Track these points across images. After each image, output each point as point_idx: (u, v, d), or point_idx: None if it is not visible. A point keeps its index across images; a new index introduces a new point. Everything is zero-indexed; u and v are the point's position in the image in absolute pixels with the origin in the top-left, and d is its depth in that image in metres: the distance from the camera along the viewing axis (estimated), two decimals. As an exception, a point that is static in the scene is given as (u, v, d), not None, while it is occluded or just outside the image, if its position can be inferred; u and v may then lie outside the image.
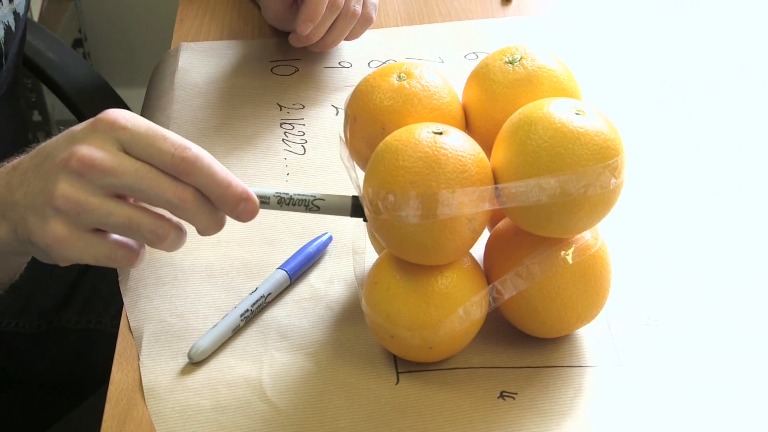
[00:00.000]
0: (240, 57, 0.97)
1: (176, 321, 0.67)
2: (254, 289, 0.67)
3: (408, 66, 0.64)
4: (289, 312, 0.67)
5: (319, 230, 0.73)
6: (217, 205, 0.59)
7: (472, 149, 0.56)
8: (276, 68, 0.95)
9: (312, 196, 0.61)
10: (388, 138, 0.57)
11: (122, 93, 1.21)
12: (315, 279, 0.70)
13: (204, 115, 0.89)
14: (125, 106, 1.21)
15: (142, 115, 0.94)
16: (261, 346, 0.64)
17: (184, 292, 0.69)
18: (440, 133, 0.56)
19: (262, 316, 0.67)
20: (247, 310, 0.66)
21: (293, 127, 0.87)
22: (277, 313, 0.67)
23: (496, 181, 0.57)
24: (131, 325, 0.67)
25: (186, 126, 0.87)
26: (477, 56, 0.95)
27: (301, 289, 0.69)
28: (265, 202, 0.60)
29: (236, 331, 0.65)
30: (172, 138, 0.58)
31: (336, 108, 0.89)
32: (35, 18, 1.91)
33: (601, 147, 0.54)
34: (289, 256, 0.70)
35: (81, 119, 1.25)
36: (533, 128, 0.55)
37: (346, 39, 0.92)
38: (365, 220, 0.60)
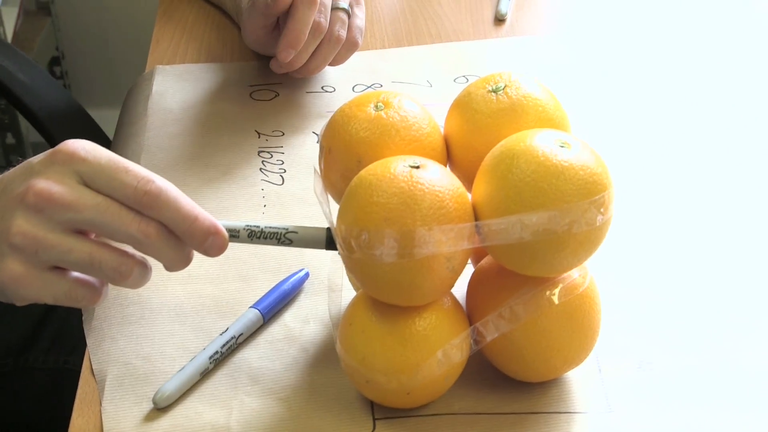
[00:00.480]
0: (218, 81, 0.97)
1: (142, 363, 0.66)
2: (225, 329, 0.67)
3: (386, 95, 0.64)
4: (261, 354, 0.67)
5: (295, 266, 0.73)
6: (183, 240, 0.60)
7: (451, 184, 0.56)
8: (255, 93, 0.95)
9: (284, 228, 0.61)
10: (363, 172, 0.58)
11: (101, 113, 1.22)
12: (290, 318, 0.70)
13: (178, 143, 0.89)
14: (99, 130, 1.22)
15: (114, 141, 0.95)
16: (231, 390, 0.64)
17: (151, 332, 0.69)
18: (417, 167, 0.56)
19: (233, 358, 0.66)
20: (217, 352, 0.66)
21: (272, 156, 0.87)
22: (248, 355, 0.67)
23: (476, 217, 0.57)
24: (93, 367, 0.67)
25: (159, 155, 0.87)
26: (467, 80, 0.96)
27: (275, 329, 0.69)
28: (234, 235, 0.61)
29: (205, 375, 0.65)
30: (135, 170, 0.58)
31: (317, 135, 0.89)
32: (8, 35, 1.92)
33: (587, 182, 0.54)
34: (263, 294, 0.70)
35: (53, 143, 1.26)
36: (515, 162, 0.55)
37: (330, 65, 0.92)
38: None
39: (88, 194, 0.58)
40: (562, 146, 0.56)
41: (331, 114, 0.66)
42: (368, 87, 0.96)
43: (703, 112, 0.92)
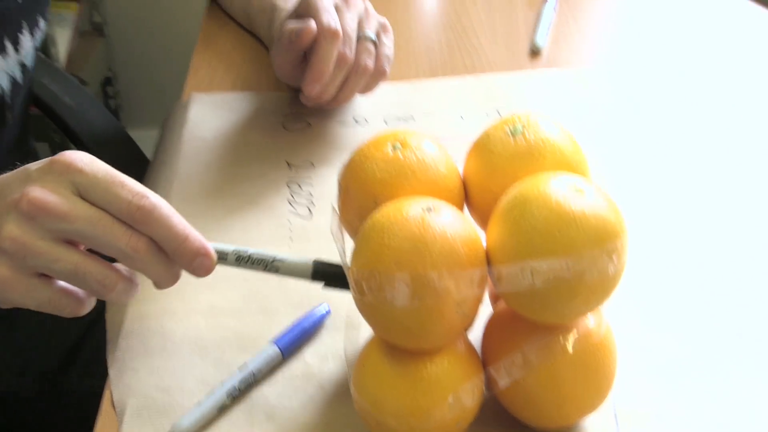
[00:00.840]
0: (251, 110, 0.99)
1: (161, 396, 0.67)
2: (244, 363, 0.68)
3: (405, 135, 0.64)
4: (279, 391, 0.67)
5: (318, 300, 0.73)
6: (172, 258, 0.61)
7: (463, 228, 0.56)
8: (288, 123, 0.96)
9: (272, 256, 0.63)
10: (376, 214, 0.58)
11: (151, 134, 1.23)
12: (309, 355, 0.70)
13: (209, 172, 0.90)
14: (141, 154, 1.24)
15: (150, 166, 0.97)
16: (247, 426, 0.65)
17: (171, 365, 0.70)
18: (430, 210, 0.56)
19: (251, 394, 0.67)
20: (235, 388, 0.66)
21: (301, 188, 0.88)
22: (266, 391, 0.67)
23: (489, 262, 0.57)
24: (114, 398, 0.68)
25: (190, 182, 0.89)
26: (499, 113, 0.96)
27: (294, 366, 0.69)
28: (222, 258, 0.63)
29: (222, 410, 0.65)
30: (131, 185, 0.60)
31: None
32: (62, 55, 1.96)
33: (599, 230, 0.54)
34: (284, 328, 0.71)
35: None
36: (528, 207, 0.55)
37: (359, 92, 0.93)
38: (326, 285, 0.64)
39: (82, 206, 0.59)
40: (576, 192, 0.55)
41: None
42: (400, 119, 0.96)
43: (733, 156, 0.91)
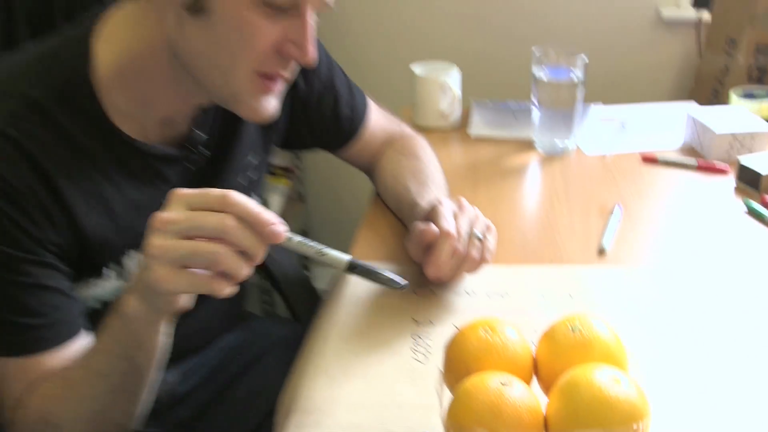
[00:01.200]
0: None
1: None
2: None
3: (493, 322, 0.66)
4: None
5: None
6: (254, 228, 0.68)
7: (529, 400, 0.57)
8: (417, 289, 0.98)
9: (321, 246, 0.75)
10: (467, 381, 0.60)
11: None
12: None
13: (357, 318, 0.93)
14: (315, 291, 1.29)
15: (322, 306, 1.00)
16: None
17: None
18: (505, 384, 0.58)
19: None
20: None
21: (421, 339, 0.89)
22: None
23: (547, 427, 0.57)
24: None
25: (337, 332, 0.91)
26: (571, 297, 0.95)
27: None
28: (289, 238, 0.72)
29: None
30: (213, 191, 0.69)
31: (456, 328, 0.91)
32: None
33: (630, 412, 0.54)
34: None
35: (287, 301, 1.35)
36: (577, 389, 0.56)
37: (467, 273, 0.95)
38: (355, 274, 0.77)
39: (187, 211, 0.68)
40: (614, 381, 0.56)
41: (471, 312, 0.69)
42: (498, 293, 0.97)
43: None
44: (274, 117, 0.88)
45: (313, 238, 0.77)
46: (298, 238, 0.73)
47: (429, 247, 0.93)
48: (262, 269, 1.32)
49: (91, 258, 0.86)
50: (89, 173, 0.83)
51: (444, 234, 0.91)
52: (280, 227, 0.68)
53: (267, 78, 0.83)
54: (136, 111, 0.85)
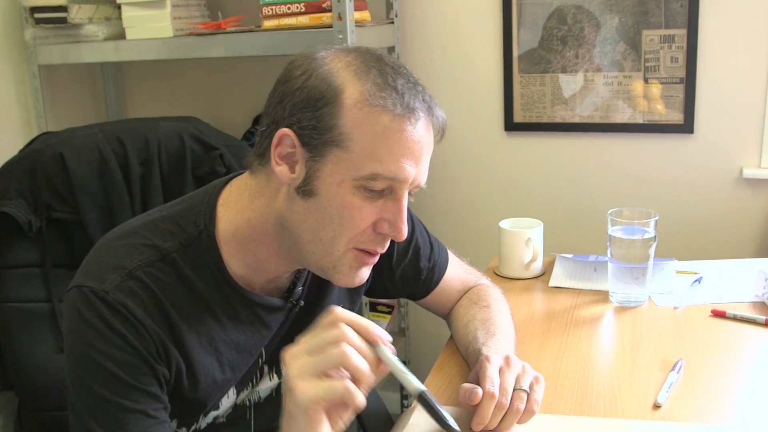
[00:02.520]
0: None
1: None
2: None
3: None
4: None
5: None
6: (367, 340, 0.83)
7: None
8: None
9: (405, 369, 0.85)
10: None
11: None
12: None
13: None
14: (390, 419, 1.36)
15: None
16: None
17: None
18: None
19: None
20: None
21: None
22: None
23: None
24: None
25: None
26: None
27: None
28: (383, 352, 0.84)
29: None
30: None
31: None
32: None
33: None
34: None
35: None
36: None
37: (518, 423, 1.01)
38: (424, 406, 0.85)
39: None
40: None
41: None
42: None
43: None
44: (362, 283, 1.00)
45: (411, 369, 0.88)
46: (390, 354, 0.84)
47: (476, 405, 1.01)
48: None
49: (196, 399, 0.99)
50: (204, 317, 0.99)
51: (487, 395, 0.99)
52: (382, 333, 0.82)
53: (362, 252, 0.96)
54: (246, 270, 1.01)
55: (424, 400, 0.86)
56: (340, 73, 0.91)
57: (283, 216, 0.96)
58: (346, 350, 0.80)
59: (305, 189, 0.92)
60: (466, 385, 1.03)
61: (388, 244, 0.98)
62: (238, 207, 1.00)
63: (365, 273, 0.99)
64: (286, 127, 0.92)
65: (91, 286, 0.92)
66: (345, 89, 0.90)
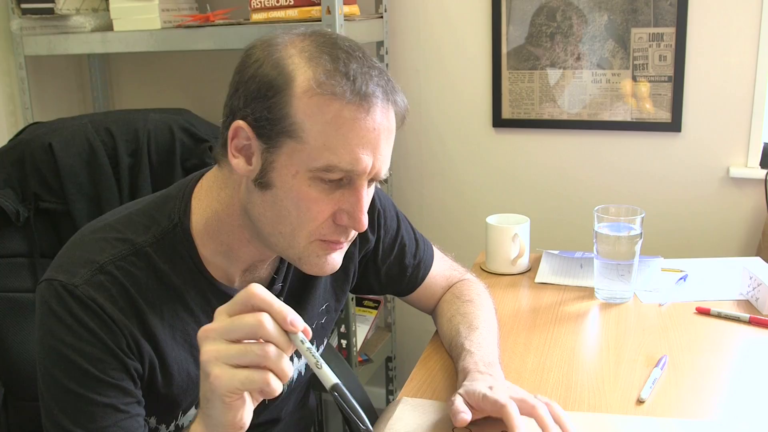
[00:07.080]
0: (441, 416, 1.08)
1: None
2: None
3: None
4: None
5: None
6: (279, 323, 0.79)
7: None
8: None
9: (321, 361, 0.80)
10: None
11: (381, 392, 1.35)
12: None
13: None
14: (374, 413, 1.38)
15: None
16: None
17: None
18: None
19: None
20: None
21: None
22: None
23: None
24: None
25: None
26: (602, 444, 1.00)
27: None
28: (302, 341, 0.79)
29: None
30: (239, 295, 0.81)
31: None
32: (358, 343, 2.16)
33: None
34: None
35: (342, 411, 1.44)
36: None
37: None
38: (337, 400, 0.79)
39: (227, 318, 0.80)
40: None
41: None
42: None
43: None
44: (336, 269, 0.98)
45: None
46: (308, 344, 0.78)
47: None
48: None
49: (171, 395, 0.99)
50: (178, 311, 0.99)
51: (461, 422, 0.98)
52: (299, 322, 0.78)
53: (326, 242, 0.94)
54: (221, 260, 1.02)
55: (336, 391, 0.80)
56: (293, 59, 0.88)
57: (245, 208, 0.96)
58: (267, 350, 0.77)
59: (261, 181, 0.91)
60: (457, 404, 1.01)
61: (352, 233, 0.96)
62: (207, 200, 1.00)
63: (336, 259, 0.96)
64: (241, 118, 0.90)
65: (61, 280, 0.92)
66: (296, 77, 0.87)
